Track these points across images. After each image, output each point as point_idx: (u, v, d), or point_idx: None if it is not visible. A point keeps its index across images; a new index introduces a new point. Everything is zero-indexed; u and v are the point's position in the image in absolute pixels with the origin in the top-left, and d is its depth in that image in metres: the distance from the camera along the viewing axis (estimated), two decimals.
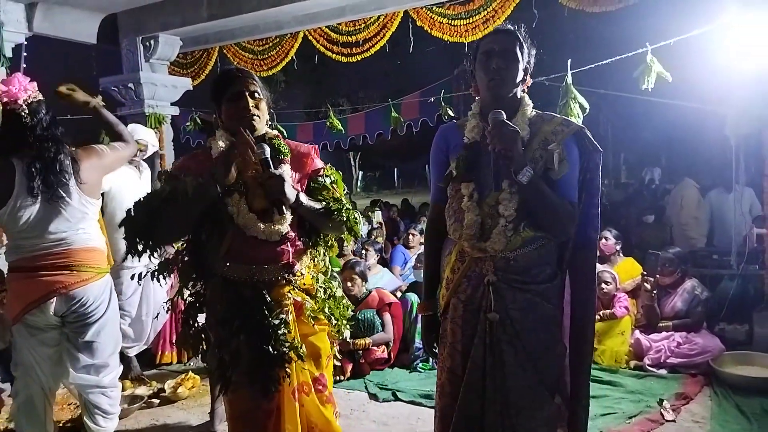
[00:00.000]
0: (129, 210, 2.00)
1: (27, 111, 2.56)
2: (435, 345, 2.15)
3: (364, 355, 4.32)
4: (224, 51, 6.41)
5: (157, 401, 3.88)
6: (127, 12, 5.87)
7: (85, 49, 6.16)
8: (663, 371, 4.12)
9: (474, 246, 1.94)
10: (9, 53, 5.12)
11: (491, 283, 1.92)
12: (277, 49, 6.12)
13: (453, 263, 2.03)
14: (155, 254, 2.04)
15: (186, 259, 2.15)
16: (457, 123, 2.14)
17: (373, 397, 3.90)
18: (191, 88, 6.45)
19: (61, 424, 3.39)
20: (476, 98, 2.07)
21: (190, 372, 4.15)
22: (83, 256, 2.66)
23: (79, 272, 2.63)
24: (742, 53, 4.05)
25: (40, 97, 2.65)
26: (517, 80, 1.97)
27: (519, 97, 2.01)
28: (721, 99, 4.95)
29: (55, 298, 2.59)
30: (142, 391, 3.95)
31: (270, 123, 2.21)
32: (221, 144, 2.07)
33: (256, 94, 2.07)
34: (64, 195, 2.57)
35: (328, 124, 8.37)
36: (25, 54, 5.29)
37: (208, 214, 2.01)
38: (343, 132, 8.85)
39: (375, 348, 4.36)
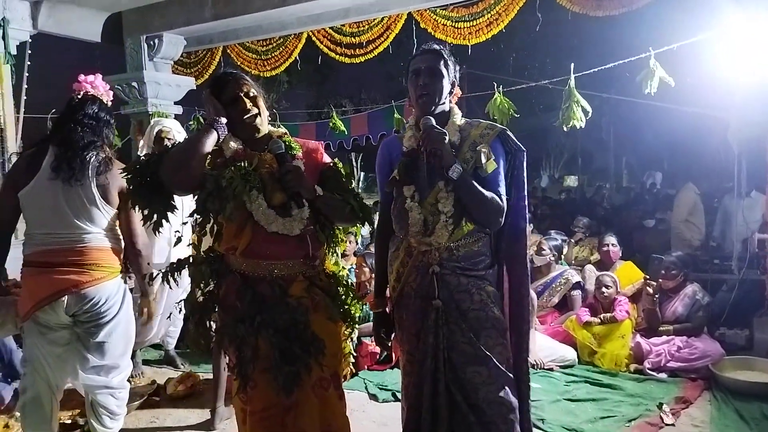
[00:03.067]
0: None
1: (79, 101, 2.72)
2: (386, 338, 2.39)
3: (358, 349, 4.31)
4: (228, 51, 6.43)
5: (157, 399, 3.89)
6: (132, 11, 5.90)
7: (89, 48, 6.19)
8: (663, 375, 4.13)
9: (420, 241, 2.17)
10: (14, 51, 5.15)
11: (436, 273, 2.16)
12: (281, 49, 6.14)
13: (402, 258, 2.24)
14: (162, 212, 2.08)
15: (200, 258, 2.16)
16: (398, 136, 2.38)
17: (373, 397, 3.90)
18: (195, 88, 6.47)
19: (60, 421, 3.39)
20: (413, 111, 2.29)
21: (191, 370, 4.16)
22: (97, 256, 2.66)
23: (92, 271, 2.63)
24: (745, 59, 4.06)
25: (104, 97, 2.83)
26: (444, 94, 2.20)
27: (448, 108, 2.25)
28: (724, 104, 4.97)
29: (66, 297, 2.59)
30: (142, 388, 3.96)
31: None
32: (233, 145, 2.10)
33: (251, 93, 2.11)
34: (81, 185, 2.59)
35: (330, 124, 8.40)
36: (29, 52, 5.31)
37: (221, 208, 2.01)
38: (346, 133, 8.88)
39: (367, 341, 4.35)
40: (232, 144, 2.10)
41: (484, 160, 2.14)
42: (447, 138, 2.10)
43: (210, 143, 2.02)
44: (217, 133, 2.04)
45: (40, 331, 2.64)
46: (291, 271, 2.10)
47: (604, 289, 4.62)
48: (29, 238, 2.67)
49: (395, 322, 2.33)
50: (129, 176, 2.08)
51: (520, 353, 2.29)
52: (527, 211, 2.30)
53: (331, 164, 2.25)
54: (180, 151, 2.06)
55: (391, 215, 2.30)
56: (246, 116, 2.08)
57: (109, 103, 2.88)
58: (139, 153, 3.98)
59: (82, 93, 2.79)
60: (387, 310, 2.38)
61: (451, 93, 2.25)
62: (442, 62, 2.18)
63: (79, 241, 2.62)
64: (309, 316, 2.08)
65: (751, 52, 4.01)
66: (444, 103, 2.22)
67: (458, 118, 2.26)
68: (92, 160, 2.63)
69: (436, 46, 2.24)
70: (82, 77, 2.86)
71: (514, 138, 2.24)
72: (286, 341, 2.01)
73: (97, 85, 2.85)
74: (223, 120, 2.06)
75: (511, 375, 2.21)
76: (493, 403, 2.16)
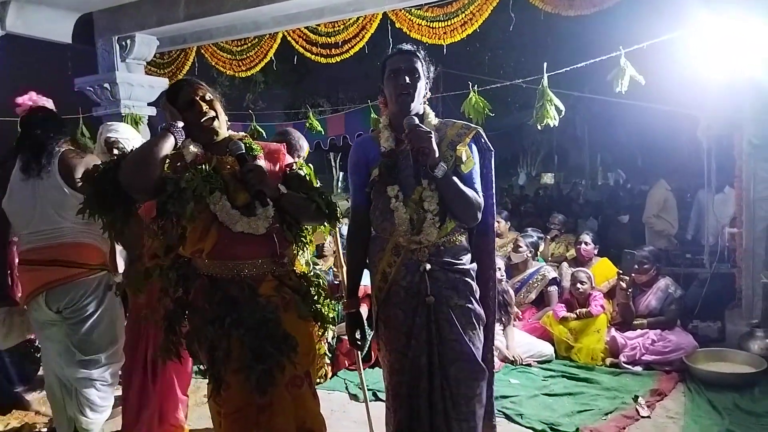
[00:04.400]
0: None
1: (27, 114, 2.90)
2: (359, 339, 2.42)
3: (338, 346, 4.30)
4: (202, 51, 6.37)
5: None
6: (103, 11, 5.80)
7: (60, 49, 6.06)
8: (638, 368, 4.20)
9: (409, 240, 2.20)
10: None
11: (426, 270, 2.20)
12: (256, 49, 6.09)
13: (388, 258, 2.26)
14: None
15: (167, 265, 2.15)
16: (372, 135, 2.41)
17: (354, 397, 3.90)
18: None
19: None
20: (384, 113, 2.35)
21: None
22: (70, 251, 2.73)
23: (68, 268, 2.71)
24: (714, 57, 4.14)
25: (47, 104, 3.01)
26: (422, 94, 2.26)
27: (422, 110, 2.29)
28: (693, 102, 5.06)
29: (45, 293, 2.69)
30: None
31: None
32: (192, 149, 2.11)
33: (207, 97, 2.13)
34: (49, 173, 2.71)
35: (307, 125, 8.34)
36: None
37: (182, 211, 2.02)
38: (323, 133, 8.82)
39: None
40: (192, 148, 2.11)
41: (464, 158, 2.21)
42: (433, 135, 2.14)
43: (167, 147, 2.04)
44: (174, 137, 2.06)
45: (37, 326, 2.80)
46: (260, 270, 2.11)
47: (579, 285, 4.69)
48: (19, 239, 2.84)
49: (380, 322, 2.34)
50: (87, 184, 2.10)
51: (487, 342, 2.37)
52: (495, 208, 2.41)
53: (294, 164, 2.26)
54: (137, 155, 2.07)
55: (371, 216, 2.31)
56: (203, 119, 2.10)
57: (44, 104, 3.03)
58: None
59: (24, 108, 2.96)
60: (359, 310, 2.42)
61: (425, 95, 2.30)
62: (419, 63, 2.24)
63: (55, 237, 2.72)
64: (280, 314, 2.09)
65: (720, 50, 4.09)
66: (421, 103, 2.27)
67: (432, 117, 2.32)
68: (56, 152, 2.76)
69: (412, 47, 2.29)
70: (19, 99, 3.03)
71: (486, 138, 2.34)
72: (257, 340, 2.01)
73: (35, 99, 3.02)
74: (180, 124, 2.08)
75: (486, 370, 2.27)
76: (471, 398, 2.23)
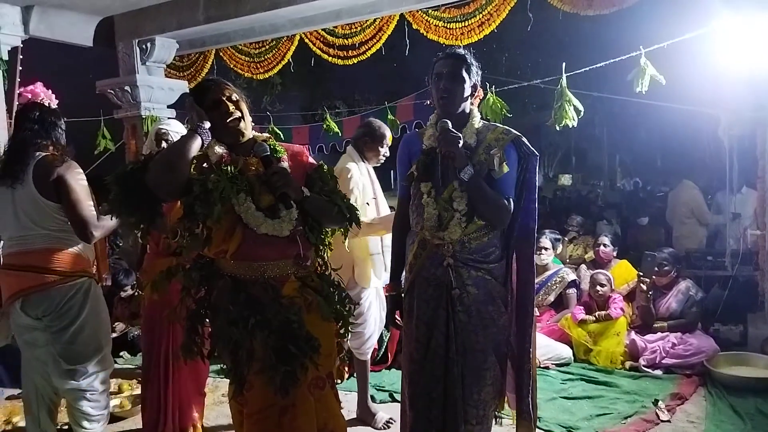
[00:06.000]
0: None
1: (21, 110, 2.78)
2: (398, 319, 2.52)
3: None
4: (220, 54, 6.42)
5: None
6: (124, 15, 5.88)
7: (81, 52, 6.16)
8: (658, 372, 4.15)
9: (434, 235, 2.31)
10: (5, 56, 5.13)
11: (450, 265, 2.29)
12: (274, 51, 6.13)
13: (415, 250, 2.38)
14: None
15: (189, 265, 2.16)
16: (419, 132, 2.51)
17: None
18: (188, 91, 6.45)
19: (58, 426, 3.38)
20: (435, 110, 2.42)
21: None
22: (47, 258, 2.65)
23: (44, 275, 2.63)
24: (734, 56, 4.08)
25: (46, 100, 2.90)
26: (465, 97, 2.32)
27: (468, 110, 2.37)
28: (714, 101, 4.99)
29: (21, 299, 2.64)
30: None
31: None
32: (217, 150, 2.11)
33: (234, 97, 2.13)
34: (23, 183, 2.62)
35: (324, 126, 8.38)
36: (21, 57, 5.30)
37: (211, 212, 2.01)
38: (339, 134, 8.85)
39: None
40: (217, 149, 2.11)
41: (497, 164, 2.27)
42: (461, 141, 2.23)
43: (195, 148, 2.03)
44: (201, 138, 2.05)
45: (17, 331, 2.73)
46: (283, 271, 2.11)
47: (598, 288, 4.64)
48: (2, 242, 2.78)
49: (404, 312, 2.45)
50: (114, 184, 2.08)
51: (523, 344, 2.44)
52: (537, 213, 2.43)
53: (317, 166, 2.26)
54: (165, 157, 2.07)
55: (409, 210, 2.43)
56: (229, 119, 2.10)
57: (53, 105, 2.94)
58: (143, 153, 3.93)
59: (21, 102, 2.95)
60: (400, 293, 2.50)
61: (472, 95, 2.38)
62: (464, 67, 2.30)
63: (31, 243, 2.66)
64: (303, 315, 2.09)
65: (741, 48, 4.03)
66: (464, 105, 2.34)
67: (477, 120, 2.38)
68: (33, 159, 2.66)
69: (460, 51, 2.36)
70: (22, 88, 3.00)
71: (528, 143, 2.35)
72: (281, 341, 2.01)
73: (37, 93, 2.97)
74: (207, 124, 2.06)
75: (497, 362, 2.37)
76: (483, 388, 2.34)
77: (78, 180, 2.68)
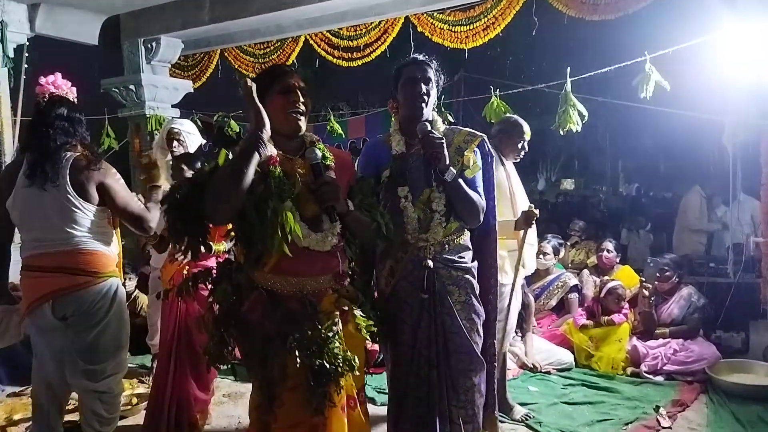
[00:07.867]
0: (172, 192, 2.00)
1: (46, 104, 2.68)
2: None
3: None
4: (225, 54, 6.44)
5: None
6: (129, 14, 5.90)
7: (87, 51, 6.19)
8: (659, 378, 4.14)
9: (417, 237, 2.35)
10: (11, 54, 5.15)
11: (429, 267, 2.33)
12: (279, 52, 6.14)
13: (396, 254, 2.38)
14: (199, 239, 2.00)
15: (221, 274, 2.09)
16: (382, 138, 2.54)
17: (371, 400, 3.88)
18: (192, 91, 6.47)
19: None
20: (394, 116, 2.50)
21: None
22: (82, 260, 2.60)
23: (77, 276, 2.58)
24: (739, 63, 4.07)
25: (69, 95, 2.81)
26: (433, 102, 2.40)
27: (432, 116, 2.43)
28: (719, 108, 4.98)
29: (51, 300, 2.57)
30: (143, 390, 3.96)
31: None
32: (266, 151, 1.95)
33: (304, 91, 2.04)
34: (57, 187, 2.54)
35: (328, 127, 8.39)
36: (27, 54, 5.32)
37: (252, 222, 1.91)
38: (344, 136, 8.87)
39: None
40: (266, 151, 1.94)
41: (471, 165, 2.36)
42: (444, 142, 2.26)
43: (253, 168, 1.87)
44: (259, 153, 1.88)
45: (38, 331, 2.66)
46: (321, 286, 2.02)
47: (617, 299, 4.57)
48: (23, 243, 2.69)
49: (387, 315, 2.38)
50: (167, 209, 1.99)
51: (488, 337, 2.52)
52: (496, 210, 2.57)
53: (360, 177, 2.20)
54: (222, 183, 1.88)
55: None
56: (292, 110, 2.00)
57: (75, 101, 2.84)
58: (153, 150, 3.87)
59: (47, 95, 2.78)
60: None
61: (434, 103, 2.45)
62: (433, 73, 2.39)
63: (64, 245, 2.58)
64: (339, 330, 1.97)
65: (746, 55, 4.02)
66: (431, 111, 2.42)
67: (440, 124, 2.44)
68: (65, 160, 2.57)
69: (426, 57, 2.44)
70: (42, 79, 2.86)
71: (489, 145, 2.52)
72: (317, 359, 1.89)
73: (59, 85, 2.85)
74: (266, 134, 1.90)
75: (484, 362, 2.42)
76: (469, 389, 2.38)
77: (118, 181, 2.67)
